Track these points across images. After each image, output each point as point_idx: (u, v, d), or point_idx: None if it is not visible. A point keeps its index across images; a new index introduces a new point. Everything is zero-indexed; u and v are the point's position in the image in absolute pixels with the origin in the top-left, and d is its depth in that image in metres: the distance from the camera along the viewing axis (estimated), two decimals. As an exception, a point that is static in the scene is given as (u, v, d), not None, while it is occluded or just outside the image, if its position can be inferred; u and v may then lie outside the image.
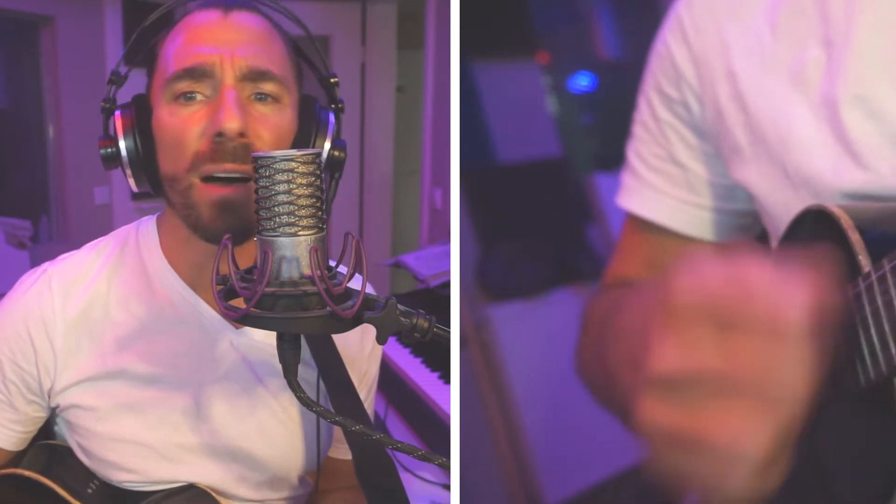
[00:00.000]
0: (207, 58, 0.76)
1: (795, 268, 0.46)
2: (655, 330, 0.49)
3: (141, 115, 0.80)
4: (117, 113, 0.80)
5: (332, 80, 0.87)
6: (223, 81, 0.76)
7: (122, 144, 0.79)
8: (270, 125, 0.78)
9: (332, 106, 0.87)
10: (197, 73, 0.76)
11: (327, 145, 0.83)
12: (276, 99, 0.79)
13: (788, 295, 0.45)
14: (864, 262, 0.53)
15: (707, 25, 0.74)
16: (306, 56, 0.87)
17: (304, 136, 0.82)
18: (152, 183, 0.81)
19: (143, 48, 0.82)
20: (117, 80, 0.82)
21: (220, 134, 0.74)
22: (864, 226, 0.55)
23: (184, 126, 0.76)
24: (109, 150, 0.79)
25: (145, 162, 0.79)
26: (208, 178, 0.76)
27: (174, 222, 0.83)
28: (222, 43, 0.77)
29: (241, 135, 0.75)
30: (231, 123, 0.74)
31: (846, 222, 0.55)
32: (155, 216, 0.88)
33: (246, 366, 0.86)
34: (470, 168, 2.46)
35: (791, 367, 0.45)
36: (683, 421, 0.47)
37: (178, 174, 0.77)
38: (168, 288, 0.84)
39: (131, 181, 0.81)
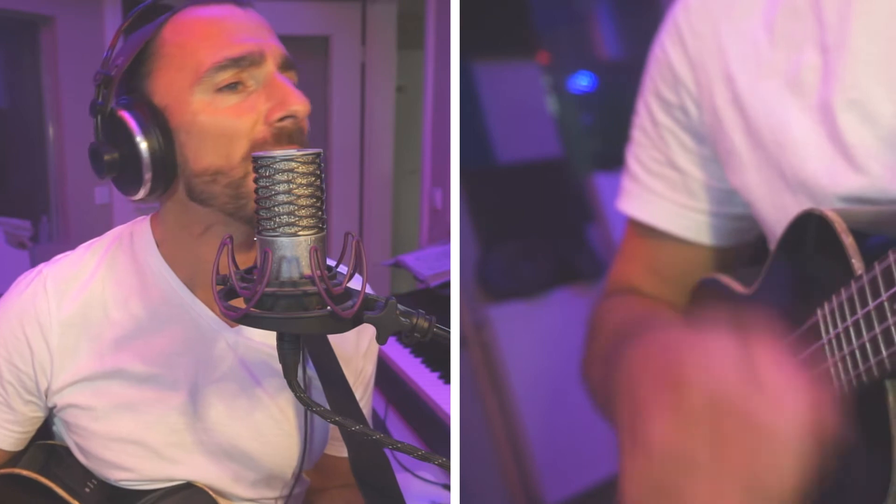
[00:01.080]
0: (253, 46, 0.75)
1: (803, 378, 0.47)
2: (656, 397, 0.50)
3: (154, 114, 0.76)
4: (125, 113, 0.75)
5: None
6: (271, 69, 0.76)
7: (142, 147, 0.74)
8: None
9: None
10: (245, 62, 0.74)
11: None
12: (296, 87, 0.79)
13: (792, 402, 0.46)
14: (857, 265, 0.53)
15: (704, 29, 0.74)
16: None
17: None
18: (166, 185, 0.77)
19: (135, 45, 0.78)
20: (109, 80, 0.77)
21: (286, 118, 0.74)
22: (860, 229, 0.55)
23: (238, 114, 0.74)
24: (114, 156, 0.75)
25: (168, 162, 0.76)
26: None
27: (172, 222, 0.83)
28: (258, 33, 0.77)
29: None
30: (301, 105, 0.74)
31: (840, 226, 0.55)
32: (148, 216, 0.87)
33: (242, 365, 0.86)
34: (470, 168, 2.46)
35: (777, 466, 0.46)
36: (666, 489, 0.48)
37: (226, 166, 0.75)
38: (164, 287, 0.84)
39: (144, 190, 0.76)
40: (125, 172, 0.77)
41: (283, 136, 0.75)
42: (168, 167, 0.76)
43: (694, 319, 0.71)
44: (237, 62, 0.74)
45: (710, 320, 0.53)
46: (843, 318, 0.53)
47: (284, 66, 0.77)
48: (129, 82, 0.78)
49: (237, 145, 0.74)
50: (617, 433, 0.58)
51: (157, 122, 0.75)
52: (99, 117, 0.77)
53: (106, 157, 0.76)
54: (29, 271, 0.86)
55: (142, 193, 0.76)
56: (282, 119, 0.74)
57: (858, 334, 0.51)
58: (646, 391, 0.52)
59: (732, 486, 0.46)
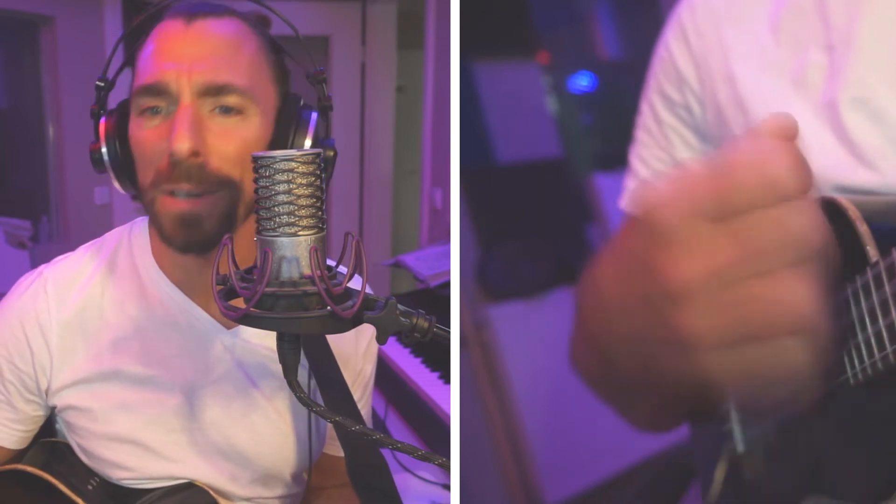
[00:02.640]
0: (165, 74, 0.75)
1: (768, 141, 0.44)
2: (651, 257, 0.46)
3: (123, 122, 0.81)
4: (102, 119, 0.82)
5: (318, 76, 0.86)
6: (179, 99, 0.75)
7: (103, 150, 0.81)
8: (234, 138, 0.76)
9: (319, 104, 0.86)
10: (154, 90, 0.75)
11: (307, 143, 0.82)
12: (239, 111, 0.77)
13: (774, 159, 0.43)
14: (872, 252, 0.53)
15: (708, 28, 0.74)
16: (291, 54, 0.85)
17: (280, 139, 0.81)
18: (135, 188, 0.82)
19: (128, 53, 0.82)
20: (106, 84, 0.83)
21: (171, 155, 0.74)
22: (872, 218, 0.55)
23: (147, 141, 0.77)
24: (97, 154, 0.81)
25: (125, 168, 0.81)
26: (169, 192, 0.76)
27: None
28: (181, 58, 0.76)
29: (195, 154, 0.74)
30: (181, 145, 0.73)
31: (854, 213, 0.55)
32: (147, 218, 0.88)
33: (238, 366, 0.86)
34: (470, 168, 2.46)
35: (805, 222, 0.43)
36: (740, 318, 0.44)
37: (145, 186, 0.78)
38: (159, 290, 0.85)
39: (116, 184, 0.82)
40: (107, 171, 0.82)
41: (176, 173, 0.74)
42: (126, 172, 0.81)
43: None
44: (148, 89, 0.76)
45: None
46: (858, 306, 0.53)
47: (209, 94, 0.75)
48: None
49: (148, 170, 0.77)
50: (622, 376, 0.56)
51: (120, 131, 0.80)
52: (94, 119, 0.83)
53: (91, 156, 0.82)
54: (30, 273, 0.88)
55: (120, 188, 0.83)
56: (171, 155, 0.74)
57: (874, 321, 0.51)
58: (638, 268, 0.48)
59: (781, 266, 0.43)
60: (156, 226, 0.79)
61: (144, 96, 0.76)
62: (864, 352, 0.53)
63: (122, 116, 0.81)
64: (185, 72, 0.75)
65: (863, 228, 0.54)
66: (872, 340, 0.51)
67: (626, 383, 0.62)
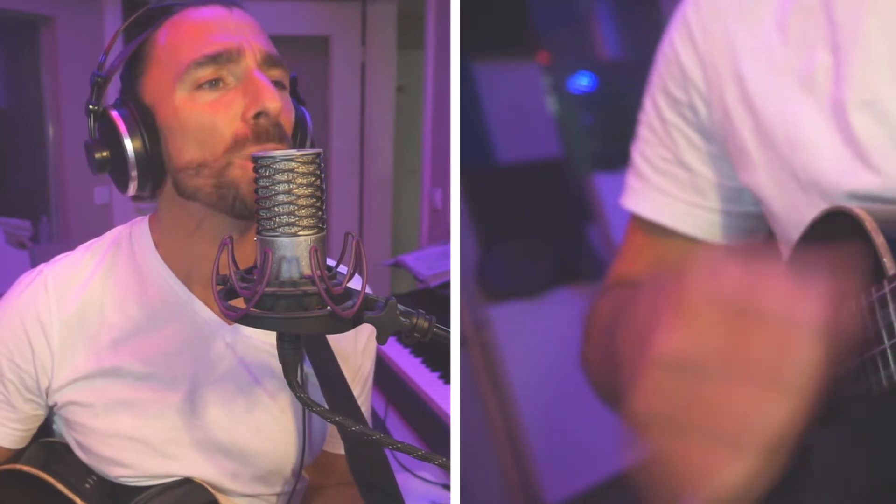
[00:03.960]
0: (230, 44, 0.77)
1: (814, 268, 0.45)
2: (665, 317, 0.47)
3: (142, 113, 0.79)
4: (115, 113, 0.79)
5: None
6: (249, 65, 0.77)
7: (128, 145, 0.77)
8: (286, 110, 0.80)
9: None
10: (222, 59, 0.76)
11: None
12: (282, 86, 0.81)
13: (805, 292, 0.44)
14: (889, 264, 0.52)
15: (714, 27, 0.74)
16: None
17: (297, 124, 0.84)
18: (155, 181, 0.80)
19: (130, 48, 0.81)
20: (103, 81, 0.81)
21: (260, 115, 0.75)
22: (886, 228, 0.54)
23: (216, 110, 0.76)
24: (104, 154, 0.79)
25: (154, 159, 0.78)
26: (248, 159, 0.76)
27: (167, 220, 0.84)
28: (238, 31, 0.78)
29: (279, 113, 0.77)
30: (274, 103, 0.75)
31: (870, 224, 0.54)
32: (147, 217, 0.88)
33: (240, 363, 0.86)
34: (470, 168, 2.46)
35: (801, 359, 0.44)
36: (685, 401, 0.46)
37: (209, 158, 0.77)
38: (162, 286, 0.85)
39: (134, 185, 0.79)
40: (116, 170, 0.80)
41: (262, 133, 0.76)
42: (154, 164, 0.79)
43: None
44: (214, 59, 0.76)
45: None
46: (874, 318, 0.52)
47: (267, 64, 0.79)
48: (124, 83, 0.82)
49: (217, 139, 0.76)
50: (624, 383, 0.57)
51: (144, 120, 0.78)
52: (92, 117, 0.80)
53: (97, 156, 0.79)
54: (30, 271, 0.88)
55: (132, 189, 0.80)
56: (256, 116, 0.76)
57: (891, 334, 0.50)
58: (655, 315, 0.49)
59: (749, 386, 0.44)
60: (226, 195, 0.77)
61: (207, 67, 0.76)
62: (879, 363, 0.52)
63: (136, 107, 0.79)
64: (248, 41, 0.78)
65: (879, 240, 0.53)
66: (889, 353, 0.50)
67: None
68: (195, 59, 0.76)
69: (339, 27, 3.70)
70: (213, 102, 0.77)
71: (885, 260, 0.53)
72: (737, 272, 0.46)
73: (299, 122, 0.84)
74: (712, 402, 0.45)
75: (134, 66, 0.81)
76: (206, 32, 0.78)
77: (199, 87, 0.77)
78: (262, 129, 0.76)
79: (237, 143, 0.76)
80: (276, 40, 0.84)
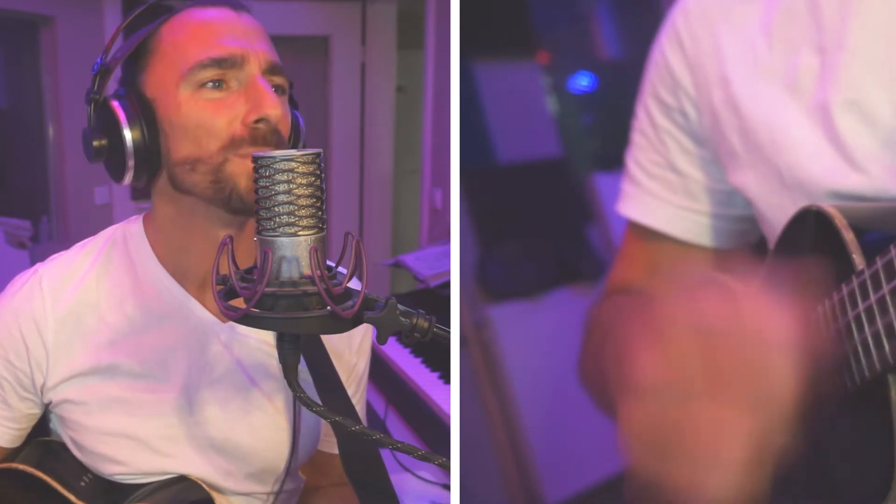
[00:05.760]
0: (236, 49, 0.78)
1: (781, 283, 0.47)
2: (640, 344, 0.49)
3: (142, 106, 0.80)
4: (116, 103, 0.79)
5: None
6: (253, 72, 0.79)
7: (127, 135, 0.78)
8: (285, 114, 0.82)
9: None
10: (227, 63, 0.78)
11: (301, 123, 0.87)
12: (283, 92, 0.83)
13: (773, 310, 0.46)
14: (858, 260, 0.54)
15: (702, 32, 0.74)
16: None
17: (292, 128, 0.85)
18: (150, 173, 0.81)
19: (135, 41, 0.82)
20: (106, 70, 0.82)
21: (261, 120, 0.77)
22: (858, 224, 0.56)
23: (216, 110, 0.78)
24: (102, 142, 0.80)
25: (151, 151, 0.79)
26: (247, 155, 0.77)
27: (162, 217, 0.85)
28: (244, 37, 0.80)
29: (279, 120, 0.79)
30: (275, 110, 0.77)
31: (840, 221, 0.56)
32: (141, 216, 0.89)
33: (235, 361, 0.87)
34: (470, 168, 2.46)
35: (774, 373, 0.45)
36: (664, 425, 0.47)
37: (205, 155, 0.78)
38: (157, 284, 0.85)
39: (129, 175, 0.80)
40: (112, 158, 0.81)
41: (259, 138, 0.78)
42: (151, 155, 0.80)
43: None
44: (219, 62, 0.78)
45: None
46: (844, 314, 0.53)
47: (270, 71, 0.80)
48: (126, 75, 0.83)
49: (214, 138, 0.78)
50: (613, 404, 0.59)
51: (144, 112, 0.80)
52: (92, 105, 0.81)
53: (95, 144, 0.80)
54: (25, 271, 0.88)
55: (127, 179, 0.81)
56: (256, 121, 0.77)
57: (860, 329, 0.51)
58: (632, 340, 0.51)
59: (732, 408, 0.45)
60: (223, 192, 0.78)
61: (211, 69, 0.78)
62: (851, 359, 0.53)
63: (140, 99, 0.80)
64: (253, 49, 0.79)
65: (849, 237, 0.55)
66: (860, 348, 0.52)
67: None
68: (200, 60, 0.77)
69: (339, 27, 3.70)
70: (215, 102, 0.78)
71: (854, 256, 0.54)
72: (707, 296, 0.48)
73: (294, 126, 0.85)
74: (689, 423, 0.46)
75: (137, 59, 0.82)
76: (214, 35, 0.79)
77: (203, 86, 0.78)
78: (260, 134, 0.77)
79: (233, 143, 0.77)
80: (276, 40, 0.85)
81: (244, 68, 0.78)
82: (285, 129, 0.81)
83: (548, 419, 2.37)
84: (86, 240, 0.90)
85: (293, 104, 0.87)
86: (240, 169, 0.77)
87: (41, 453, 0.88)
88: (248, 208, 0.78)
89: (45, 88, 3.31)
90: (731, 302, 0.47)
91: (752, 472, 0.46)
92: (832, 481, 0.58)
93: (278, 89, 0.81)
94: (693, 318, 0.48)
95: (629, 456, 0.50)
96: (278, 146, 0.78)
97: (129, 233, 0.88)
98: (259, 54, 0.79)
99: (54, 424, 0.90)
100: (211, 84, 0.78)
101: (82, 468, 0.87)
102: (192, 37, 0.79)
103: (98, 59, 0.82)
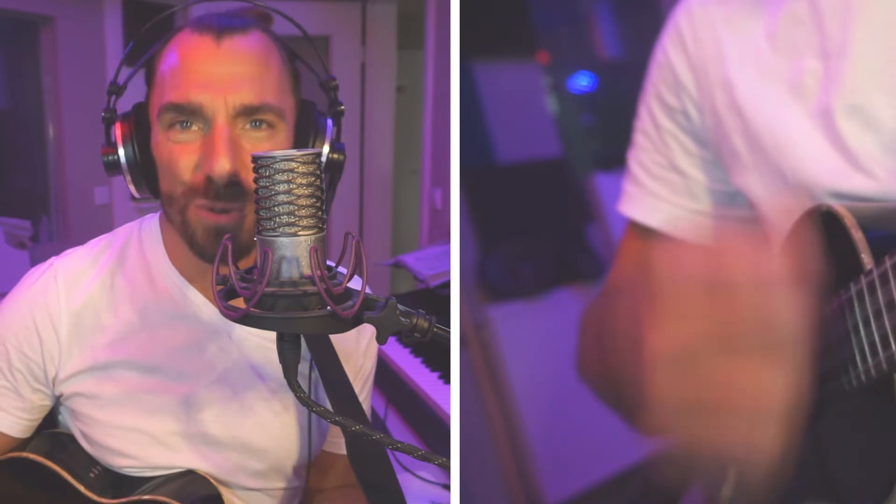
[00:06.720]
0: (200, 96, 0.76)
1: (767, 232, 0.46)
2: (648, 315, 0.49)
3: (140, 126, 0.82)
4: (117, 123, 0.82)
5: (331, 84, 0.88)
6: (215, 121, 0.76)
7: (121, 153, 0.81)
8: (244, 164, 0.77)
9: (332, 110, 0.88)
10: (187, 110, 0.77)
11: (325, 149, 0.85)
12: (270, 125, 0.79)
13: (767, 247, 0.46)
14: (867, 259, 0.54)
15: (705, 35, 0.75)
16: (304, 60, 0.87)
17: (300, 145, 0.84)
18: (152, 189, 0.83)
19: (142, 54, 0.83)
20: (117, 90, 0.84)
21: (211, 176, 0.75)
22: (866, 224, 0.56)
23: (178, 155, 0.78)
24: (111, 157, 0.82)
25: (144, 171, 0.82)
26: (205, 206, 0.78)
27: (169, 222, 0.85)
28: (215, 80, 0.76)
29: (232, 175, 0.75)
30: (221, 168, 0.75)
31: (849, 221, 0.56)
32: (158, 214, 0.90)
33: (244, 359, 0.88)
34: (470, 168, 2.46)
35: (785, 309, 0.45)
36: (701, 389, 0.46)
37: (174, 195, 0.79)
38: (168, 283, 0.87)
39: (132, 188, 0.83)
40: (121, 174, 0.83)
41: (212, 191, 0.76)
42: (147, 175, 0.82)
43: None
44: (180, 109, 0.77)
45: None
46: (853, 313, 0.53)
47: (245, 113, 0.77)
48: (147, 88, 0.84)
49: (178, 182, 0.78)
50: (629, 395, 0.58)
51: (138, 135, 0.81)
52: (105, 123, 0.84)
53: (104, 159, 0.83)
54: (40, 264, 0.89)
55: (132, 191, 0.84)
56: (209, 177, 0.76)
57: (868, 328, 0.51)
58: (631, 322, 0.51)
59: (747, 355, 0.45)
60: (186, 234, 0.79)
61: (174, 113, 0.77)
62: (857, 358, 0.53)
63: (138, 121, 0.82)
64: (221, 95, 0.76)
65: (857, 236, 0.55)
66: (866, 348, 0.52)
67: (631, 395, 0.64)
68: (164, 103, 0.77)
69: (339, 27, 3.70)
70: (181, 146, 0.78)
71: (863, 255, 0.54)
72: (699, 253, 0.48)
73: (318, 133, 0.84)
74: (721, 381, 0.46)
75: (147, 76, 0.83)
76: (185, 75, 0.77)
77: (172, 126, 0.78)
78: (212, 190, 0.76)
79: (193, 192, 0.77)
80: (276, 40, 0.84)
81: (204, 116, 0.76)
82: (248, 175, 0.75)
83: (548, 419, 2.37)
84: (102, 236, 0.92)
85: (335, 112, 0.87)
86: (196, 219, 0.78)
87: (50, 444, 0.89)
88: (208, 258, 0.78)
89: (45, 88, 3.31)
90: (722, 252, 0.47)
91: (790, 419, 0.45)
92: (835, 481, 0.58)
93: (260, 124, 0.78)
94: (689, 275, 0.47)
95: (662, 431, 0.49)
96: (235, 201, 0.77)
97: (144, 231, 0.89)
98: (229, 99, 0.76)
99: (63, 417, 0.91)
100: (179, 125, 0.77)
101: (91, 460, 0.88)
102: (170, 73, 0.78)
103: (112, 78, 0.85)
